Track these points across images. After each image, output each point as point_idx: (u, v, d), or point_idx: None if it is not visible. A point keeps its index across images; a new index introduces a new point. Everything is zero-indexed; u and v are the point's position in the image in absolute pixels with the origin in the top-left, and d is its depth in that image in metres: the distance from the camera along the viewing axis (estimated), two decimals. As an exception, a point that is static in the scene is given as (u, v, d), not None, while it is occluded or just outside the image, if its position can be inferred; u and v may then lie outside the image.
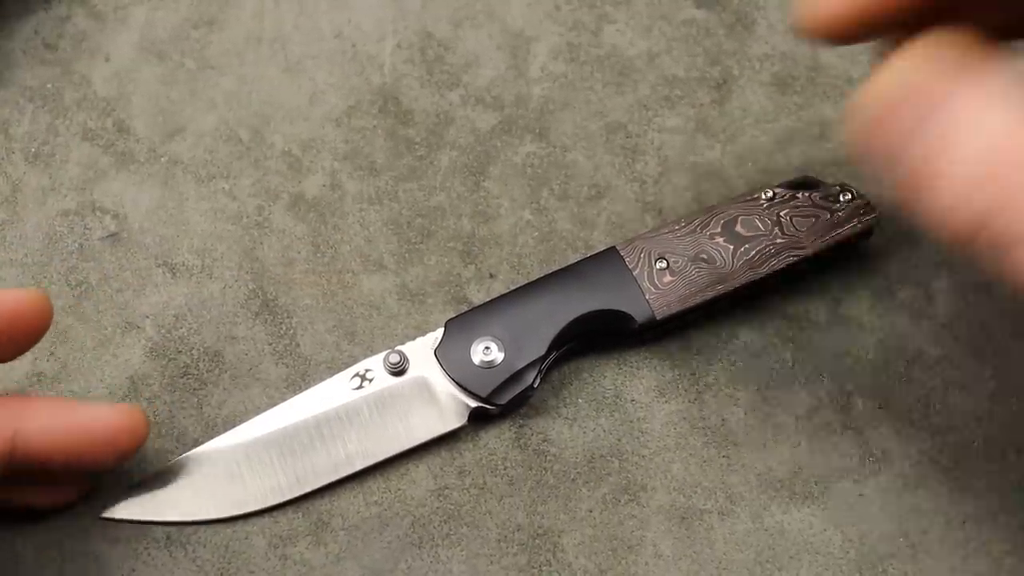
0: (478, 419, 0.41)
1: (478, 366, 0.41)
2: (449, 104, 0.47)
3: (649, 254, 0.42)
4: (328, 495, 0.41)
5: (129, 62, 0.47)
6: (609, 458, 0.41)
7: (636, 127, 0.46)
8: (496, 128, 0.46)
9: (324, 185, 0.45)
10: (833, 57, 0.47)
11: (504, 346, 0.41)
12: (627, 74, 0.47)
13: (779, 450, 0.41)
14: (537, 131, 0.46)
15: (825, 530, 0.40)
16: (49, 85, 0.47)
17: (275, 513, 0.40)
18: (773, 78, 0.47)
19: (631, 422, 0.42)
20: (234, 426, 0.41)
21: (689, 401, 0.42)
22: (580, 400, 0.42)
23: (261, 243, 0.44)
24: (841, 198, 0.42)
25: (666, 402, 0.42)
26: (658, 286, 0.41)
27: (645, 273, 0.41)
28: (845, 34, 0.33)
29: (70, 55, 0.47)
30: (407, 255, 0.44)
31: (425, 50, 0.48)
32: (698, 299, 0.41)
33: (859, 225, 0.42)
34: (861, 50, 0.48)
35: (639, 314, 0.41)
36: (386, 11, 0.48)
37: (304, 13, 0.48)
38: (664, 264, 0.42)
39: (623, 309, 0.41)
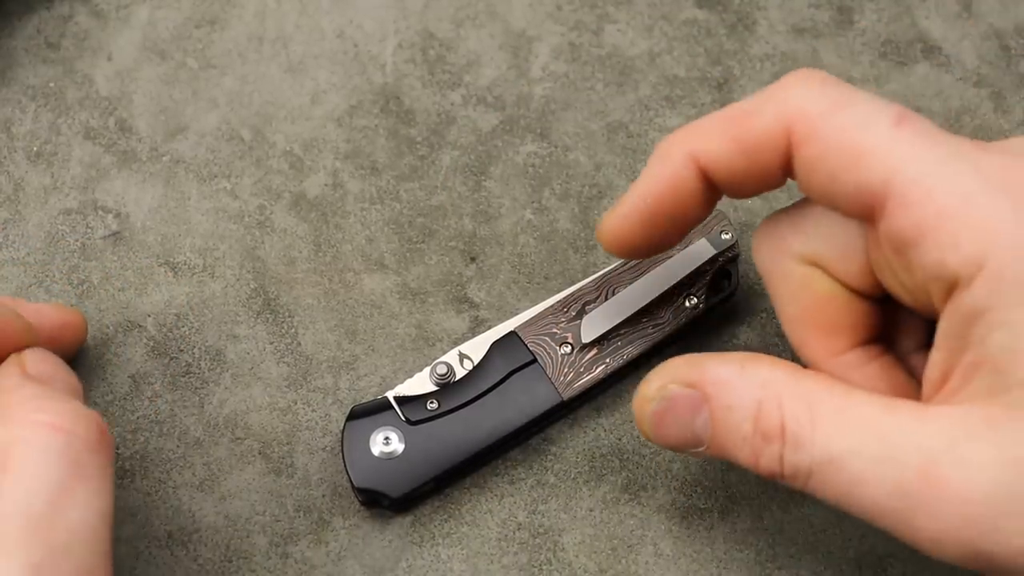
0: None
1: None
2: (451, 104, 0.47)
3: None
4: (329, 494, 0.41)
5: (131, 61, 0.47)
6: (609, 457, 0.41)
7: (637, 127, 0.46)
8: (497, 128, 0.46)
9: (326, 184, 0.45)
10: (833, 57, 0.47)
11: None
12: (628, 74, 0.47)
13: (779, 450, 0.41)
14: (538, 131, 0.46)
15: (825, 529, 0.40)
16: (51, 84, 0.47)
17: (276, 512, 0.40)
18: (774, 78, 0.47)
19: (631, 421, 0.42)
20: (235, 424, 0.41)
21: (689, 401, 0.42)
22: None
23: (263, 242, 0.44)
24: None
25: (666, 402, 0.42)
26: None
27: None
28: (631, 253, 0.37)
29: (72, 54, 0.47)
30: (408, 254, 0.44)
31: (427, 50, 0.48)
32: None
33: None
34: (862, 50, 0.48)
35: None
36: (388, 11, 0.48)
37: (306, 13, 0.48)
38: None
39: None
